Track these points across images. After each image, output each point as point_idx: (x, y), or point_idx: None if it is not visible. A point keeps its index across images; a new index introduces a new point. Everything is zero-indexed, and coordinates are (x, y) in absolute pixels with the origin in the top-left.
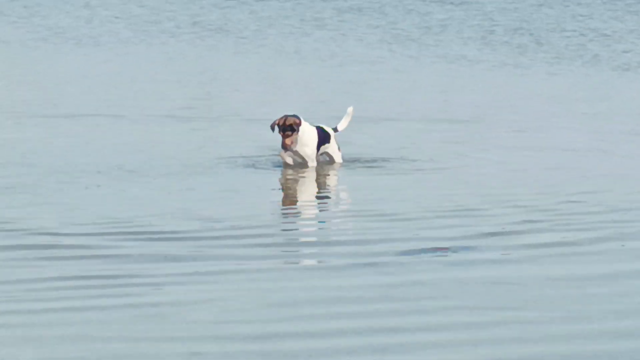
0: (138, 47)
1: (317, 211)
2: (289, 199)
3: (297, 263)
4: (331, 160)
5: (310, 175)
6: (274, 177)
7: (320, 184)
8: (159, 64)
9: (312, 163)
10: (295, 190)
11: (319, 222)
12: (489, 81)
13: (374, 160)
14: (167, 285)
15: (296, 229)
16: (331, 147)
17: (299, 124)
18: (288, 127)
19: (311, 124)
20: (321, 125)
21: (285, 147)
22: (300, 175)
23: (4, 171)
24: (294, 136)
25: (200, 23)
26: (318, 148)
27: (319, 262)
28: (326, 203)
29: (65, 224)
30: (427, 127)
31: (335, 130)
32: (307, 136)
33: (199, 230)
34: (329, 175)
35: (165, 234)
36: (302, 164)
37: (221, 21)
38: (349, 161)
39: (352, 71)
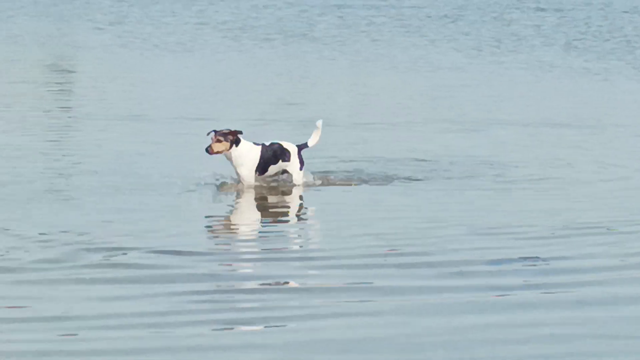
0: (225, 53)
1: (435, 228)
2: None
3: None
4: (291, 179)
5: (421, 191)
6: (376, 189)
7: (434, 197)
8: (245, 69)
9: (246, 183)
10: (410, 208)
11: (434, 239)
12: (577, 87)
13: (482, 170)
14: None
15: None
16: (291, 166)
17: (235, 139)
18: (223, 135)
19: (273, 140)
20: (279, 142)
21: (209, 150)
22: (412, 190)
23: (87, 178)
24: (224, 145)
25: (286, 29)
26: (265, 168)
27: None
28: (448, 220)
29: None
30: (527, 133)
31: (304, 146)
32: (244, 156)
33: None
34: (444, 191)
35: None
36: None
37: (306, 27)
38: (460, 172)
39: (439, 77)
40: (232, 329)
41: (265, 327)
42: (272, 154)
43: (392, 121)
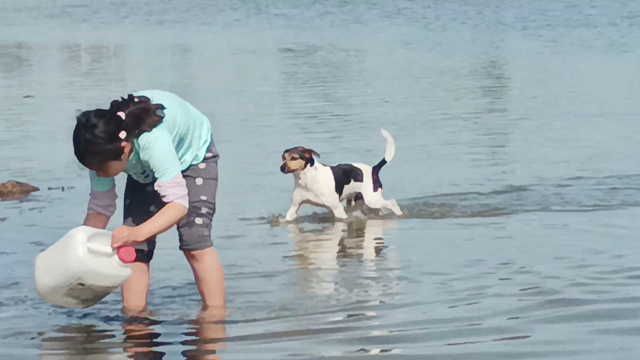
0: None
1: None
2: None
3: None
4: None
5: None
6: None
7: None
8: None
9: (340, 212)
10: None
11: None
12: None
13: None
14: None
15: None
16: (363, 187)
17: (310, 159)
18: (298, 152)
19: (337, 163)
20: (350, 163)
21: (285, 168)
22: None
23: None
24: (298, 163)
25: None
26: (340, 188)
27: None
28: None
29: None
30: None
31: (381, 164)
32: (321, 182)
33: None
34: None
35: None
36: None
37: None
38: None
39: None
40: None
41: None
42: (342, 172)
43: None
